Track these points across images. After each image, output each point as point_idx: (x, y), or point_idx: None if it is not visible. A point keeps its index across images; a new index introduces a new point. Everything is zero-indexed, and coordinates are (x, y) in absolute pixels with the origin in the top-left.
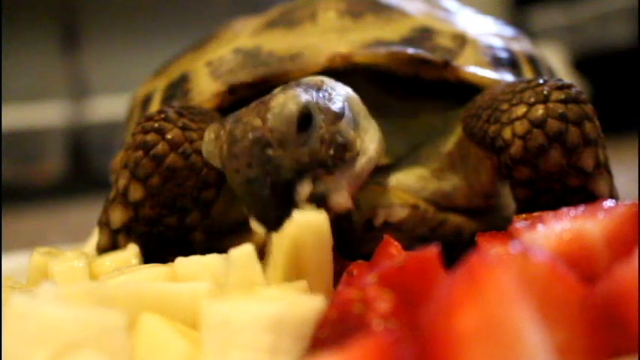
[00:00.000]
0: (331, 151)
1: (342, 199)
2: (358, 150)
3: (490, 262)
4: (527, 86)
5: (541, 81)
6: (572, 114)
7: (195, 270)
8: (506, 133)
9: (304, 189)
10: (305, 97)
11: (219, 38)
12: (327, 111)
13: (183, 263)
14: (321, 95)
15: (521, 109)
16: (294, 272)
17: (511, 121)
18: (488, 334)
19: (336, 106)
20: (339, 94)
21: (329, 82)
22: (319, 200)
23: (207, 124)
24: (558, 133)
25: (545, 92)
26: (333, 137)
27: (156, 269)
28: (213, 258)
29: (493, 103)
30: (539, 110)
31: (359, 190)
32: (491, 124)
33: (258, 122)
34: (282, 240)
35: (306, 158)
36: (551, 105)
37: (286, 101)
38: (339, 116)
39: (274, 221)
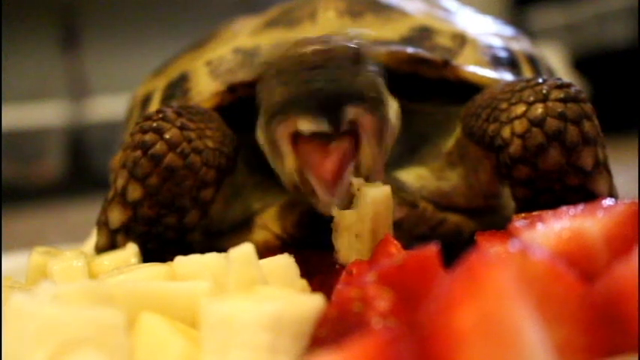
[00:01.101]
0: (373, 93)
1: (378, 176)
2: (386, 114)
3: (489, 261)
4: (527, 85)
5: (540, 80)
6: (572, 113)
7: (194, 269)
8: (506, 132)
9: (350, 112)
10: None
11: (218, 38)
12: (372, 63)
13: (183, 262)
14: None
15: (520, 108)
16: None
17: (510, 120)
18: (488, 333)
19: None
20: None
21: None
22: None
23: (206, 124)
24: (557, 132)
25: (544, 91)
26: (376, 83)
27: (155, 268)
28: (212, 257)
29: (492, 102)
30: (539, 109)
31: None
32: (491, 123)
33: (322, 45)
34: (366, 211)
35: (356, 86)
36: (550, 104)
37: (349, 38)
38: (378, 73)
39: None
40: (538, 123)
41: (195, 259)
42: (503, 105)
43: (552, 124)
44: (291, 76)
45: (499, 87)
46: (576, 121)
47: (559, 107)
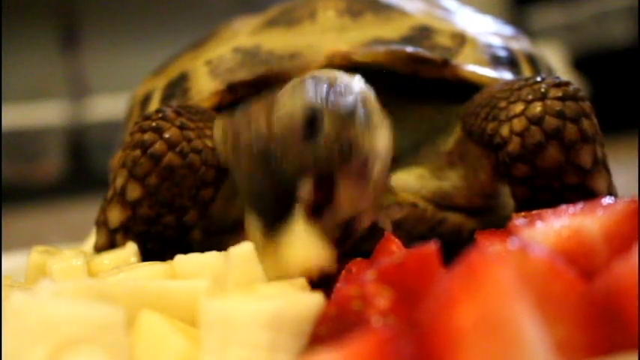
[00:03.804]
0: (336, 151)
1: (367, 221)
2: (368, 151)
3: (489, 258)
4: (525, 84)
5: (539, 78)
6: (570, 111)
7: (194, 268)
8: (504, 131)
9: (306, 186)
10: (312, 98)
11: (218, 37)
12: (336, 109)
13: (183, 261)
14: (332, 92)
15: (519, 107)
16: None
17: (509, 119)
18: (487, 330)
19: (347, 103)
20: (352, 91)
21: (343, 77)
22: (350, 225)
23: (206, 123)
24: (556, 130)
25: (542, 89)
26: (340, 137)
27: (155, 267)
28: (212, 256)
29: (491, 100)
30: (537, 107)
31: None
32: (490, 122)
33: (263, 126)
34: None
35: (310, 160)
36: (548, 102)
37: (293, 107)
38: (349, 114)
39: (274, 216)
40: (537, 121)
41: (195, 257)
42: (502, 103)
43: (551, 122)
44: (238, 170)
45: (498, 86)
46: (575, 119)
47: (557, 105)
